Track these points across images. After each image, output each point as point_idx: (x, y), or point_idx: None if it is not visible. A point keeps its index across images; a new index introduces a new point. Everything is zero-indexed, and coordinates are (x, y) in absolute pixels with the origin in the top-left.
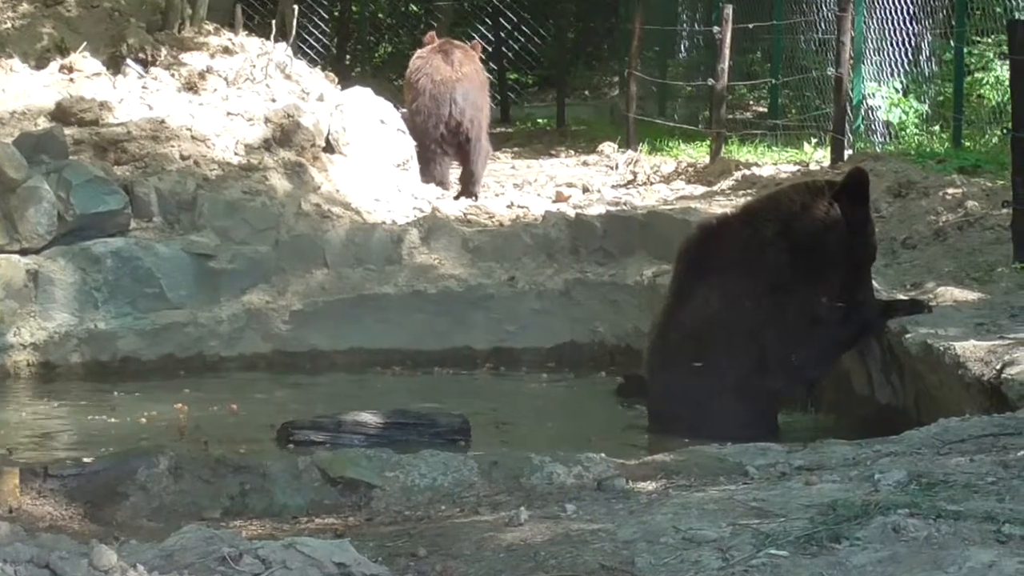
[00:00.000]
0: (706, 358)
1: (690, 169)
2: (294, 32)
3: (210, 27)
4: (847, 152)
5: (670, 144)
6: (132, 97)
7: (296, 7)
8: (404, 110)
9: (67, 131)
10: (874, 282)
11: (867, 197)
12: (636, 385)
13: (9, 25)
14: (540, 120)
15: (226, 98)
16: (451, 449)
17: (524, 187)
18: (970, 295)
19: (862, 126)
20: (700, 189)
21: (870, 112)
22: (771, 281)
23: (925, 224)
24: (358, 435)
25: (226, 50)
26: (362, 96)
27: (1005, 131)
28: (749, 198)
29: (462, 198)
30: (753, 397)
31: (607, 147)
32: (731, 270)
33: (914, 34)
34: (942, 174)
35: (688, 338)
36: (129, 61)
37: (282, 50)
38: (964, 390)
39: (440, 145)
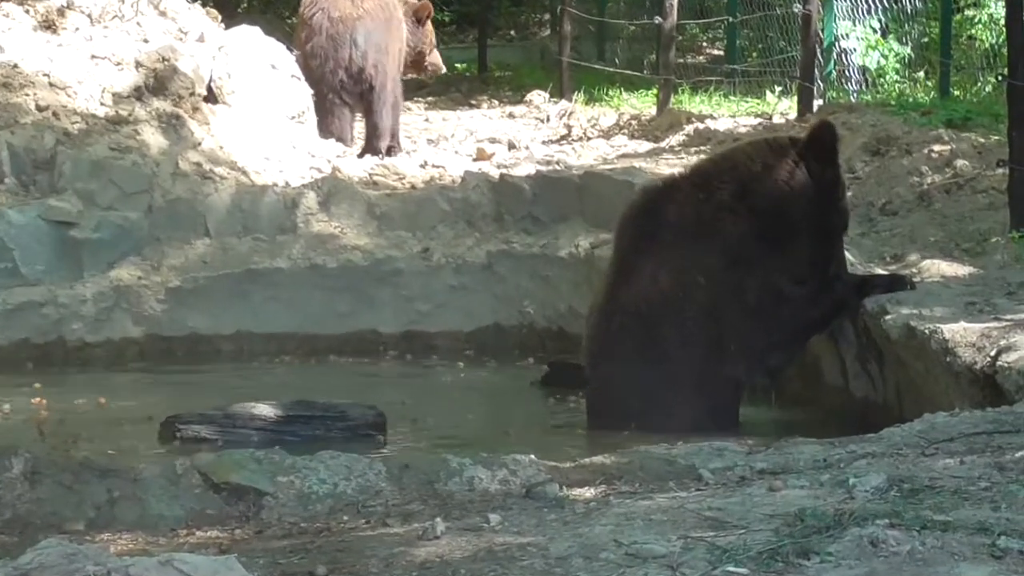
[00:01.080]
0: (654, 342)
1: (633, 122)
2: None
3: None
4: (816, 103)
5: (610, 93)
6: None
7: None
8: (298, 53)
9: None
10: (848, 255)
11: (836, 155)
12: (563, 373)
13: None
14: (458, 65)
15: (90, 38)
16: (365, 446)
17: (440, 143)
18: (960, 269)
19: (834, 72)
20: (645, 146)
21: (843, 56)
22: (728, 254)
23: (907, 186)
24: (255, 430)
25: None
26: (250, 36)
27: (1000, 78)
28: (702, 157)
29: (367, 156)
30: (709, 387)
31: (536, 96)
32: (682, 241)
33: None
34: (927, 128)
35: (633, 320)
36: None
37: None
38: (953, 380)
39: (339, 94)
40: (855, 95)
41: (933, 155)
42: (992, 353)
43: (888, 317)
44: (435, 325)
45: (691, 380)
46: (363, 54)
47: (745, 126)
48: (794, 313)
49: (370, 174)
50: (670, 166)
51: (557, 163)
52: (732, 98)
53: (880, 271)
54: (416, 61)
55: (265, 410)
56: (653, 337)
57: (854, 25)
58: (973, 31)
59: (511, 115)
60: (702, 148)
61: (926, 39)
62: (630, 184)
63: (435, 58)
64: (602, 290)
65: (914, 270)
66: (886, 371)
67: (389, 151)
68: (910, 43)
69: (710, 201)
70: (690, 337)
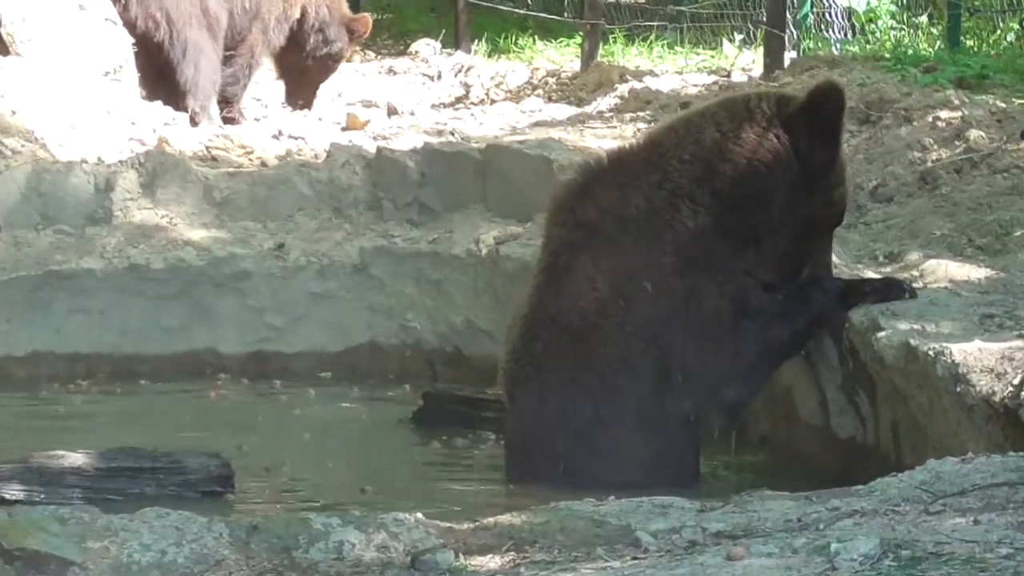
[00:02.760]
0: (588, 365)
1: (551, 80)
2: None
3: None
4: (788, 55)
5: (520, 43)
6: None
7: None
8: None
9: None
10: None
11: (839, 130)
12: (442, 407)
13: None
14: None
15: None
16: (206, 504)
17: (299, 108)
18: (974, 271)
19: (811, 16)
20: (566, 111)
21: None
22: (684, 253)
23: (905, 165)
24: (67, 487)
25: None
26: None
27: None
28: (653, 126)
29: (203, 124)
30: (654, 424)
31: (424, 47)
32: (627, 236)
33: None
34: (931, 88)
35: (563, 335)
36: None
37: None
38: (965, 416)
39: (138, 43)
40: (838, 46)
41: (939, 124)
42: (1016, 381)
43: (881, 334)
44: (292, 344)
45: (631, 414)
46: None
47: (696, 86)
48: (760, 330)
49: (208, 147)
50: (600, 137)
51: (452, 133)
52: (679, 49)
53: (871, 274)
54: (323, 65)
55: (80, 461)
56: (586, 357)
57: None
58: None
59: (391, 71)
60: (641, 114)
61: None
62: (547, 161)
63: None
64: (527, 297)
65: (915, 273)
66: (879, 405)
67: (230, 120)
68: None
69: (665, 184)
70: (631, 359)
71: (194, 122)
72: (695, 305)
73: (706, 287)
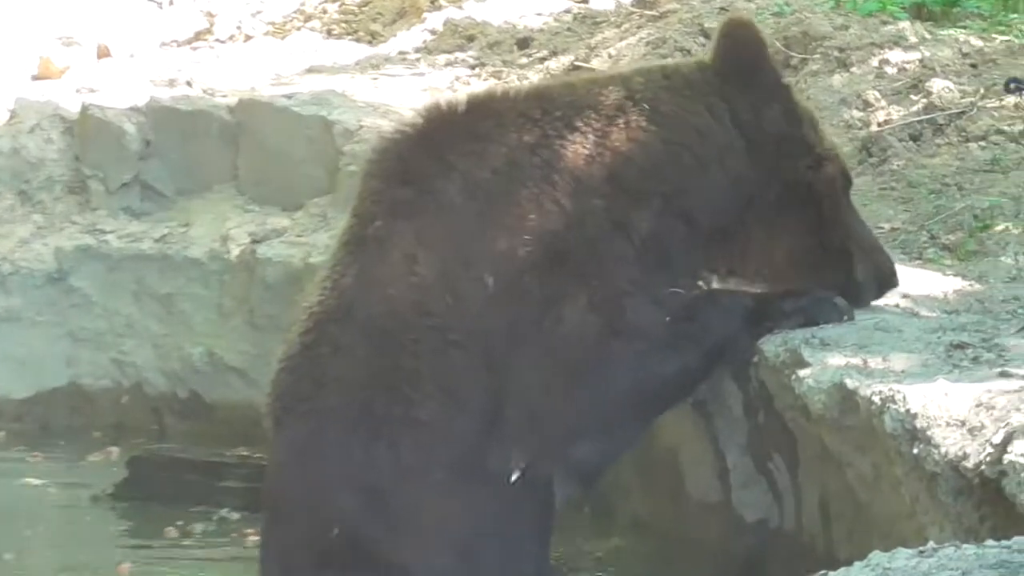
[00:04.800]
0: (392, 386)
1: (331, 7)
2: None
3: None
4: None
5: None
6: None
7: None
8: None
9: None
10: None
11: (766, 65)
12: (156, 473)
13: None
14: None
15: None
16: None
17: None
18: (938, 282)
19: None
20: (354, 50)
21: None
22: (551, 243)
23: (841, 128)
24: None
25: None
26: None
27: None
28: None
29: None
30: (479, 484)
31: None
32: (470, 205)
33: None
34: (877, 18)
35: (360, 340)
36: None
37: None
38: (925, 488)
39: None
40: None
41: (888, 70)
42: (996, 439)
43: (805, 373)
44: None
45: (443, 464)
46: None
47: (542, 14)
48: (635, 361)
49: None
50: (400, 89)
51: (188, 83)
52: None
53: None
54: None
55: None
56: (389, 373)
57: None
58: None
59: None
60: (461, 55)
61: None
62: (325, 124)
63: None
64: (319, 281)
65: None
66: (801, 473)
67: None
68: None
69: (539, 151)
70: (451, 382)
71: None
72: (552, 317)
73: (572, 293)
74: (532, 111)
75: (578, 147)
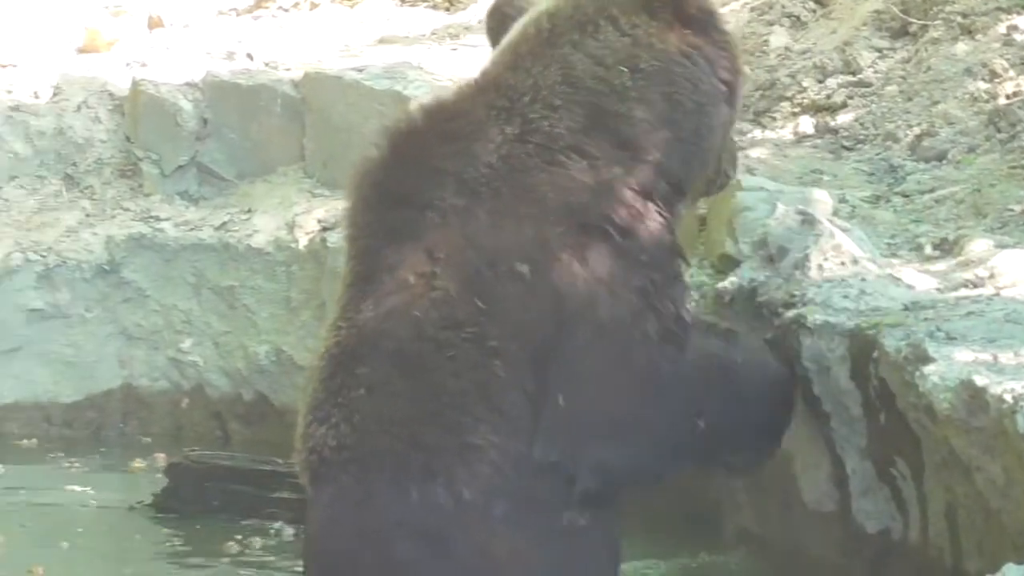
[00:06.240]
0: (437, 413)
1: None
2: None
3: None
4: None
5: None
6: None
7: None
8: None
9: None
10: (846, 240)
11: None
12: (199, 482)
13: None
14: None
15: None
16: None
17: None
18: None
19: None
20: (431, 17)
21: None
22: (580, 217)
23: (966, 101)
24: None
25: None
26: None
27: None
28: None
29: None
30: (550, 514)
31: None
32: (479, 205)
33: None
34: None
35: (392, 371)
36: None
37: None
38: None
39: None
40: None
41: (1017, 37)
42: None
43: (930, 369)
44: (1, 391)
45: (505, 493)
46: None
47: None
48: (679, 366)
49: None
50: (482, 61)
51: (249, 56)
52: None
53: (902, 273)
54: None
55: None
56: (431, 399)
57: None
58: None
59: None
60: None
61: None
62: (399, 98)
63: None
64: (331, 325)
65: (980, 271)
66: (927, 479)
67: None
68: None
69: (529, 137)
70: (497, 397)
71: None
72: (602, 301)
73: (621, 273)
74: (498, 100)
75: (570, 123)
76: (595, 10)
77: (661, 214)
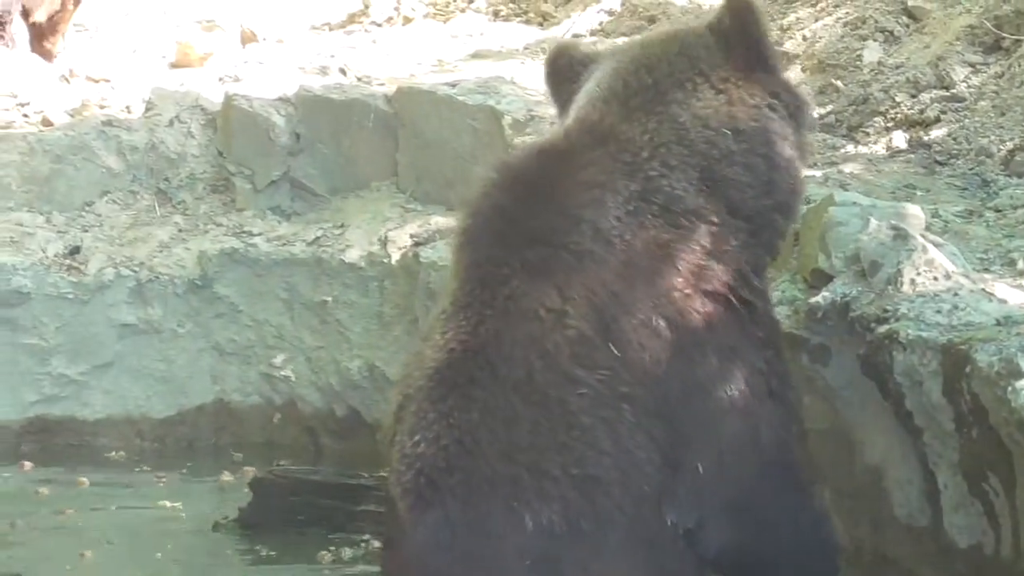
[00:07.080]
0: (563, 446)
1: None
2: None
3: None
4: None
5: None
6: None
7: None
8: None
9: None
10: (939, 256)
11: (765, 45)
12: (283, 498)
13: None
14: None
15: None
16: None
17: (94, 33)
18: None
19: None
20: (524, 33)
21: None
22: (706, 281)
23: None
24: None
25: None
26: None
27: None
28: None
29: None
30: (663, 547)
31: None
32: (612, 255)
33: None
34: None
35: (514, 401)
36: None
37: None
38: None
39: None
40: None
41: None
42: None
43: (1022, 385)
44: (93, 405)
45: (621, 528)
46: None
47: None
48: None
49: None
50: None
51: (343, 71)
52: None
53: (1000, 289)
54: None
55: None
56: (560, 433)
57: None
58: None
59: None
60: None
61: None
62: (493, 114)
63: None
64: (434, 345)
65: None
66: (1019, 495)
67: None
68: None
69: (651, 197)
70: (624, 436)
71: None
72: (734, 377)
73: (745, 349)
74: (621, 154)
75: (687, 184)
76: (687, 67)
77: (765, 287)
